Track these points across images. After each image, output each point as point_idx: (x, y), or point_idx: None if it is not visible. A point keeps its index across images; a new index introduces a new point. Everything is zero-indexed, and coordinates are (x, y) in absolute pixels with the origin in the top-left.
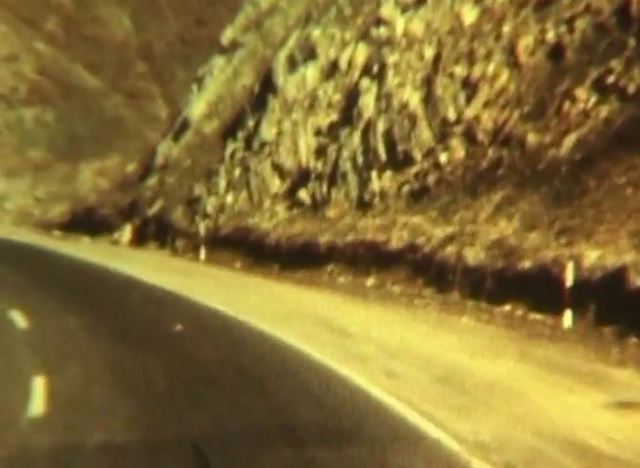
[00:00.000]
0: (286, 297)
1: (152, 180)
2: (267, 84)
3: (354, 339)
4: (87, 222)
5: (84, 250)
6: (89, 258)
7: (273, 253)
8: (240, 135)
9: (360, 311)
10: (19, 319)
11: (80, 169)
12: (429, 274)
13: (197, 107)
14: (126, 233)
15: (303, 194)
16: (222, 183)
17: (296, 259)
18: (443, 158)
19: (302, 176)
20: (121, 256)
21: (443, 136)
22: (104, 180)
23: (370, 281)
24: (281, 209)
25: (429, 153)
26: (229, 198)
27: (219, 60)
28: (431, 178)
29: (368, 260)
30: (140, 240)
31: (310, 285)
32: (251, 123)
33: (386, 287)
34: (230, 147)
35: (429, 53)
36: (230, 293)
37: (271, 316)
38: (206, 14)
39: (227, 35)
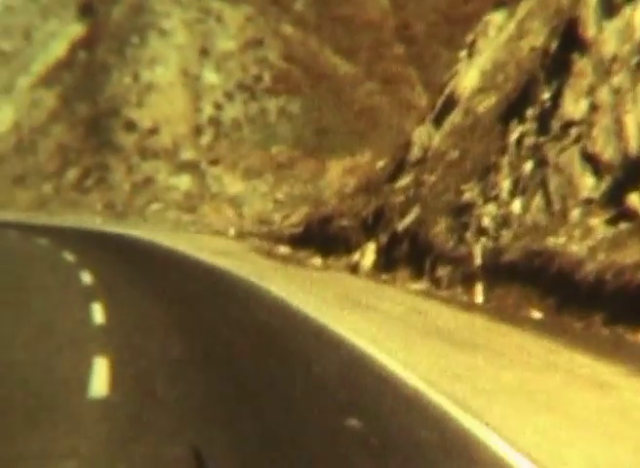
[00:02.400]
0: None
1: (405, 180)
2: (569, 39)
3: None
4: (321, 236)
5: (305, 285)
6: (303, 309)
7: (591, 293)
8: (530, 112)
9: None
10: None
11: (327, 166)
12: None
13: (467, 79)
14: (368, 255)
15: (635, 200)
16: (505, 184)
17: (633, 308)
18: None
19: (632, 172)
20: (354, 300)
21: None
22: (354, 180)
23: None
24: (599, 223)
25: None
26: (516, 206)
27: (496, 17)
28: None
29: None
30: (386, 265)
31: None
32: (546, 95)
33: None
34: (516, 131)
35: None
36: (537, 413)
37: None
38: None
39: None
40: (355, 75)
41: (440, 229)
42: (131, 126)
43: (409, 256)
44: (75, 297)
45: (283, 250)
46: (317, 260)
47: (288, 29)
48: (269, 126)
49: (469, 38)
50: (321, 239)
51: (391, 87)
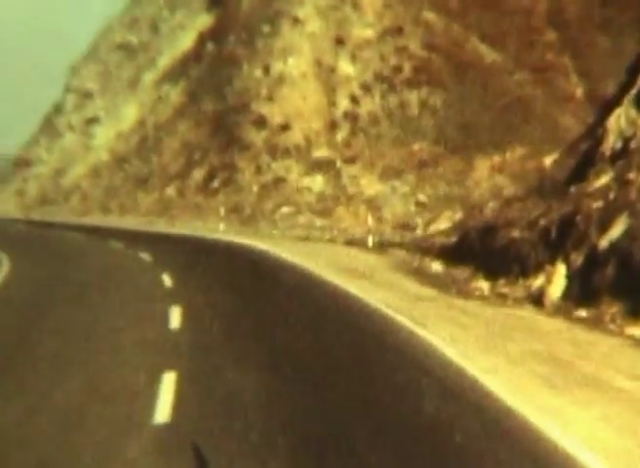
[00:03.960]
0: None
1: (601, 180)
2: None
3: None
4: (483, 250)
5: (478, 333)
6: (490, 391)
7: None
8: None
9: None
10: None
11: (474, 164)
12: None
13: None
14: (557, 280)
15: None
16: None
17: None
18: None
19: None
20: (567, 367)
21: None
22: (505, 179)
23: None
24: None
25: None
26: None
27: None
28: None
29: None
30: (583, 295)
31: None
32: None
33: None
34: None
35: None
36: None
37: None
38: None
39: None
40: (503, 65)
41: None
42: (260, 122)
43: (617, 285)
44: (150, 356)
45: (435, 267)
46: (482, 285)
47: (430, 16)
48: (410, 120)
49: None
50: (483, 254)
51: (543, 76)
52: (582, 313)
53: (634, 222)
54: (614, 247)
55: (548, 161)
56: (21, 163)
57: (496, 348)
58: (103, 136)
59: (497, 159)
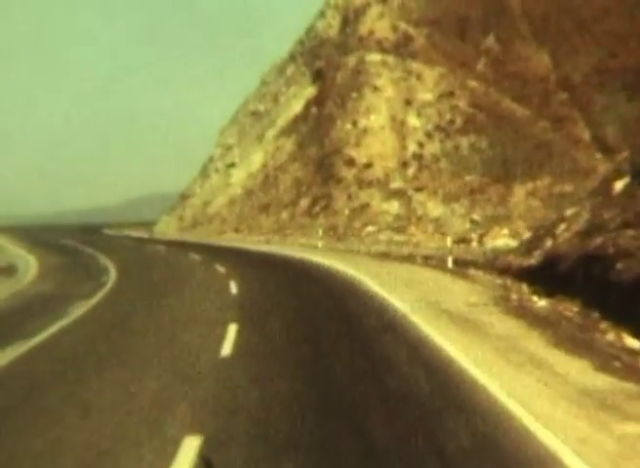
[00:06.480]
0: None
1: None
2: None
3: None
4: (591, 281)
5: None
6: None
7: None
8: None
9: None
10: None
11: (513, 191)
12: None
13: None
14: None
15: None
16: None
17: None
18: None
19: None
20: None
21: None
22: (537, 202)
23: None
24: None
25: None
26: None
27: None
28: None
29: None
30: None
31: None
32: None
33: None
34: None
35: None
36: None
37: None
38: (616, 48)
39: None
40: (529, 117)
41: None
42: (350, 162)
43: None
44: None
45: (536, 300)
46: (630, 341)
47: (473, 83)
48: (462, 159)
49: None
50: (592, 286)
51: (559, 125)
52: None
53: None
54: None
55: (619, 185)
56: (184, 197)
57: None
58: (238, 176)
59: (530, 186)
